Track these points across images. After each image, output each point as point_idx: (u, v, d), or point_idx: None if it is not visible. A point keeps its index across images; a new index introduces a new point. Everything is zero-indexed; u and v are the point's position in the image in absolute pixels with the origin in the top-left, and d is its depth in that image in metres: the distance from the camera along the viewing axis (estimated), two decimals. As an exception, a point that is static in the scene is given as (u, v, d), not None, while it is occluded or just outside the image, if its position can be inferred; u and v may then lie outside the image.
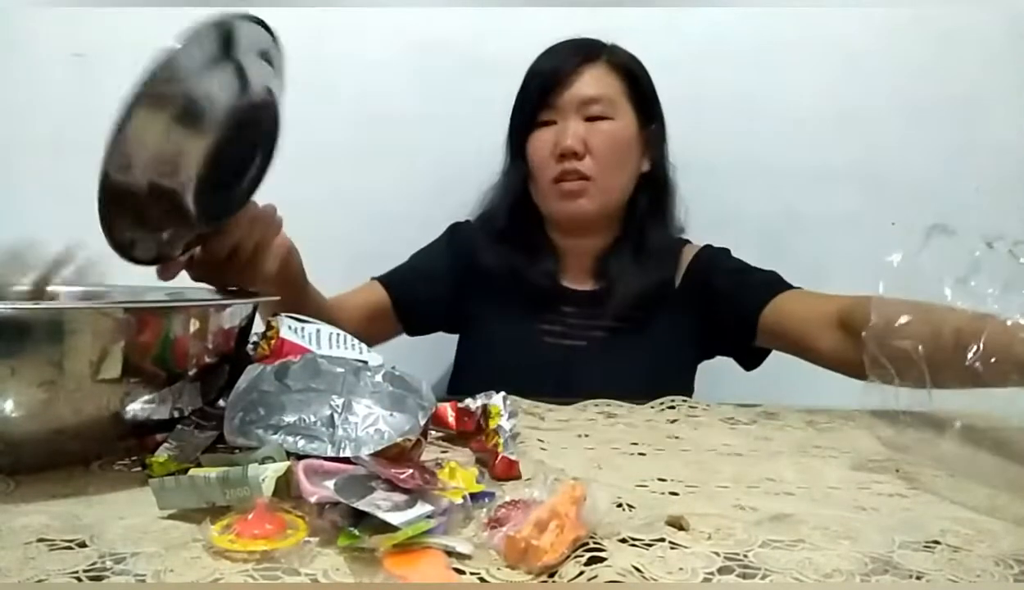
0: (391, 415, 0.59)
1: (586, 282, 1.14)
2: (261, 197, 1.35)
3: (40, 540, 0.47)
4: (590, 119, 1.05)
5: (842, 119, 1.40)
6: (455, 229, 1.20)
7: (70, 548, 0.46)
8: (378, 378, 0.62)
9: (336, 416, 0.59)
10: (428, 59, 1.36)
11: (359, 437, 0.57)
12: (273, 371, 0.61)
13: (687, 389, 1.13)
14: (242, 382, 0.61)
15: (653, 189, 1.13)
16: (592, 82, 1.06)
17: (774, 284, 1.05)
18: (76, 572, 0.43)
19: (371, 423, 0.59)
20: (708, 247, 1.17)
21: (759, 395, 0.88)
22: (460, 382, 1.15)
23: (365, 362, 0.67)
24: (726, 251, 1.16)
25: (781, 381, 1.15)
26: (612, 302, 1.09)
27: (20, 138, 1.30)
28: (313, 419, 0.58)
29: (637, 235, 1.12)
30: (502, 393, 0.72)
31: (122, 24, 1.30)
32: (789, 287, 1.05)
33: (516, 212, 1.12)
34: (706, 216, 1.36)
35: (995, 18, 1.40)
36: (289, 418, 0.58)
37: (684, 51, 1.37)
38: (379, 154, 1.36)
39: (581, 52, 1.07)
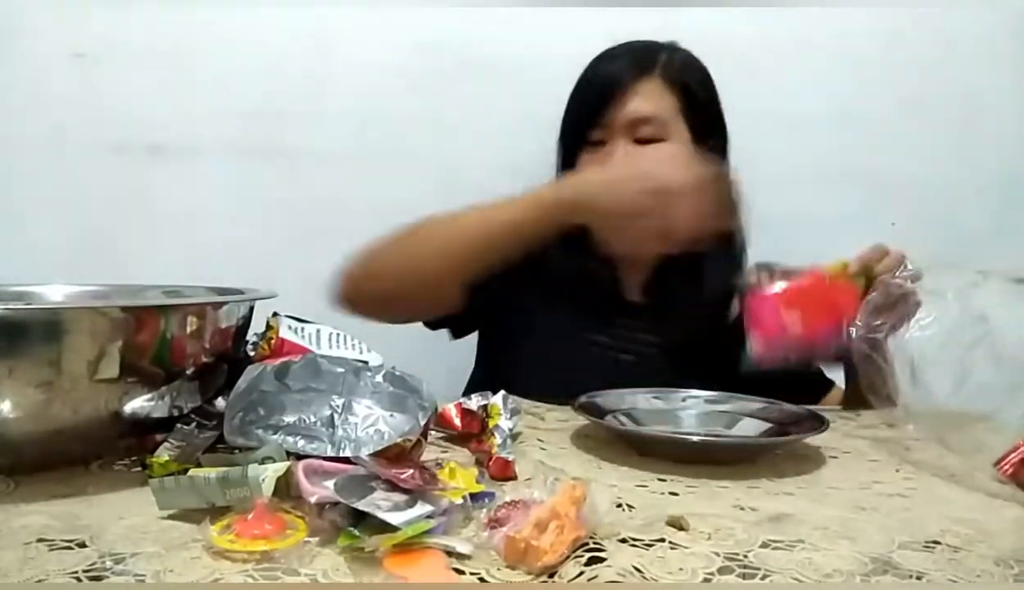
0: (391, 416, 0.59)
1: (638, 295, 1.10)
2: (259, 196, 1.36)
3: (40, 540, 0.46)
4: (640, 141, 1.00)
5: (843, 119, 1.40)
6: None
7: (70, 548, 0.46)
8: (378, 378, 0.62)
9: (336, 416, 0.58)
10: (428, 60, 1.36)
11: (359, 437, 0.57)
12: (273, 371, 0.61)
13: None
14: (242, 382, 0.61)
15: None
16: (644, 101, 0.99)
17: (824, 385, 1.09)
18: (76, 572, 0.42)
19: (371, 423, 0.58)
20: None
21: (761, 393, 0.88)
22: (487, 380, 1.09)
23: (365, 362, 0.67)
24: None
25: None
26: (661, 320, 1.07)
27: (20, 138, 1.30)
28: (313, 419, 0.58)
29: (691, 256, 1.04)
30: (501, 392, 0.72)
31: (122, 24, 1.30)
32: (832, 384, 1.09)
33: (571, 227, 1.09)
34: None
35: (995, 18, 1.40)
36: (289, 418, 0.58)
37: (684, 51, 1.37)
38: (379, 156, 1.36)
39: (635, 65, 1.01)
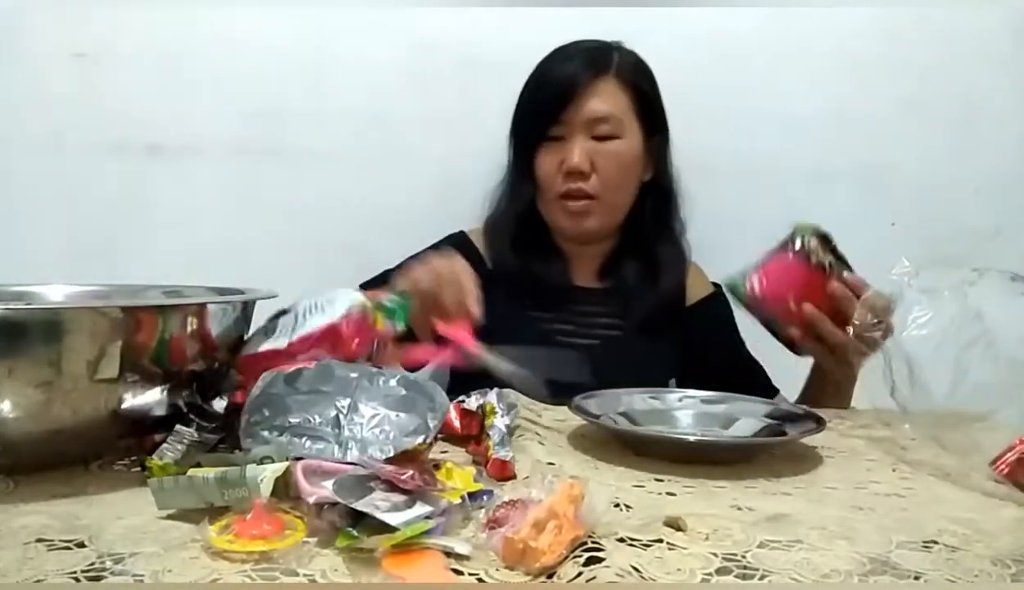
0: (397, 415, 0.59)
1: (593, 282, 1.15)
2: (258, 196, 1.36)
3: (39, 540, 0.47)
4: (597, 138, 1.04)
5: (842, 119, 1.40)
6: (448, 238, 1.19)
7: (69, 548, 0.46)
8: (392, 382, 0.62)
9: (342, 417, 0.59)
10: (428, 60, 1.36)
11: (365, 437, 0.57)
12: (284, 377, 0.61)
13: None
14: (256, 388, 0.61)
15: (656, 197, 1.13)
16: (602, 100, 1.04)
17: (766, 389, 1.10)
18: (75, 572, 0.43)
19: (376, 423, 0.59)
20: (721, 292, 1.14)
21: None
22: (460, 385, 1.13)
23: (379, 368, 0.67)
24: (732, 311, 1.13)
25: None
26: (619, 303, 1.11)
27: (20, 138, 1.30)
28: (318, 420, 0.58)
29: (641, 242, 1.13)
30: (495, 389, 0.72)
31: (122, 24, 1.30)
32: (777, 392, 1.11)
33: (524, 221, 1.12)
34: (706, 216, 1.36)
35: (995, 18, 1.40)
36: (294, 419, 0.58)
37: (684, 51, 1.36)
38: (379, 155, 1.36)
39: (592, 65, 1.05)
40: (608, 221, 1.10)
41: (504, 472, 0.62)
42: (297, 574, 0.43)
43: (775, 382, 1.15)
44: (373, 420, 0.59)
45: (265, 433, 0.58)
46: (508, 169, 1.15)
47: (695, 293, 1.17)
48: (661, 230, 1.14)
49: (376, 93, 1.35)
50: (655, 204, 1.13)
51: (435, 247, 1.18)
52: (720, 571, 0.45)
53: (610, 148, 1.05)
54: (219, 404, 0.65)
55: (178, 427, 0.61)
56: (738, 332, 1.14)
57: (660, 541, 0.48)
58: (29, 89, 1.30)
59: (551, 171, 1.06)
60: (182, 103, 1.33)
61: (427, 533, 0.46)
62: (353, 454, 0.56)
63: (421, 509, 0.48)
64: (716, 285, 1.19)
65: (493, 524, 0.48)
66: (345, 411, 0.59)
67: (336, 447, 0.57)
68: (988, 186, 1.43)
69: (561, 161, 1.04)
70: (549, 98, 1.06)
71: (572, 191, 1.05)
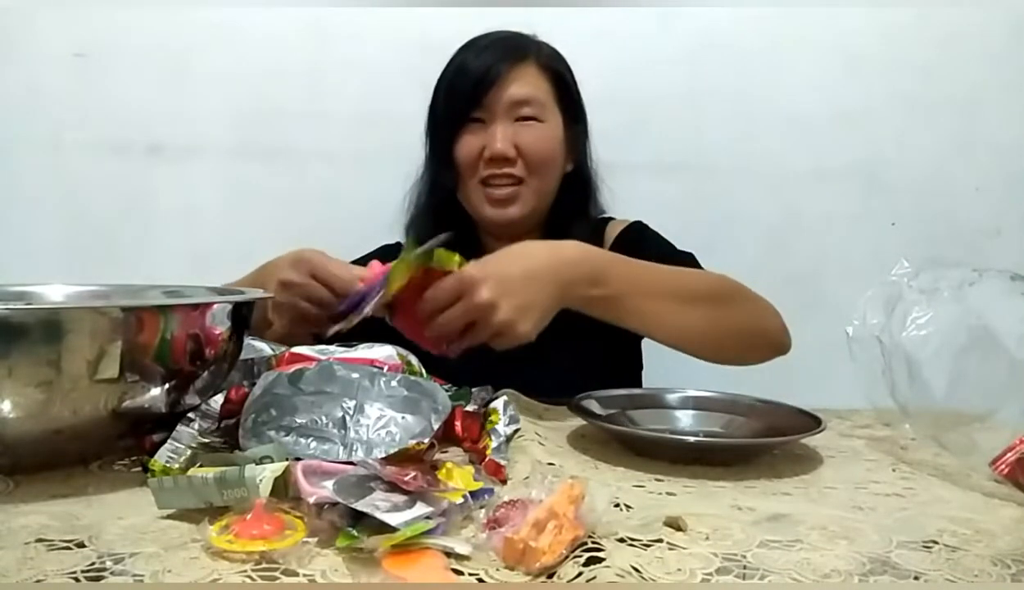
0: (403, 417, 0.59)
1: None
2: (259, 196, 1.36)
3: (39, 540, 0.47)
4: (520, 120, 1.03)
5: (842, 119, 1.40)
6: (384, 249, 1.17)
7: (69, 548, 0.46)
8: (394, 383, 0.62)
9: (348, 418, 0.58)
10: (428, 60, 1.35)
11: (371, 439, 0.57)
12: (287, 377, 0.61)
13: (638, 367, 1.13)
14: (257, 388, 0.61)
15: (576, 189, 1.11)
16: (523, 83, 1.03)
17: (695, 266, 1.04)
18: (74, 572, 0.43)
19: (383, 425, 0.59)
20: (639, 222, 1.14)
21: (757, 393, 0.88)
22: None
23: (381, 367, 0.67)
24: (655, 232, 1.12)
25: (779, 380, 1.14)
26: None
27: (20, 138, 1.30)
28: (325, 421, 0.58)
29: (562, 235, 1.06)
30: (503, 398, 0.72)
31: (122, 24, 1.30)
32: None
33: (442, 214, 1.09)
34: (706, 216, 1.36)
35: (995, 18, 1.40)
36: (301, 419, 0.58)
37: (683, 51, 1.37)
38: (379, 155, 1.36)
39: (512, 50, 1.05)
40: (534, 208, 1.06)
41: (497, 475, 0.61)
42: (297, 574, 0.43)
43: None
44: (379, 422, 0.59)
45: (272, 433, 0.58)
46: (425, 163, 1.12)
47: (607, 241, 1.12)
48: (580, 224, 1.10)
49: (376, 93, 1.35)
50: (575, 197, 1.11)
51: (371, 256, 1.11)
52: (720, 571, 0.45)
53: (533, 131, 1.03)
54: (219, 404, 0.65)
55: (178, 427, 0.61)
56: (668, 243, 1.10)
57: (660, 541, 0.48)
58: (29, 89, 1.30)
59: (472, 156, 1.03)
60: (182, 103, 1.33)
61: (427, 533, 0.46)
62: (358, 456, 0.56)
63: (421, 509, 0.48)
64: (636, 222, 1.15)
65: (493, 524, 0.48)
66: (351, 412, 0.59)
67: (341, 448, 0.57)
68: (988, 186, 1.43)
69: (483, 146, 1.02)
70: (470, 83, 1.03)
71: (496, 176, 1.02)
